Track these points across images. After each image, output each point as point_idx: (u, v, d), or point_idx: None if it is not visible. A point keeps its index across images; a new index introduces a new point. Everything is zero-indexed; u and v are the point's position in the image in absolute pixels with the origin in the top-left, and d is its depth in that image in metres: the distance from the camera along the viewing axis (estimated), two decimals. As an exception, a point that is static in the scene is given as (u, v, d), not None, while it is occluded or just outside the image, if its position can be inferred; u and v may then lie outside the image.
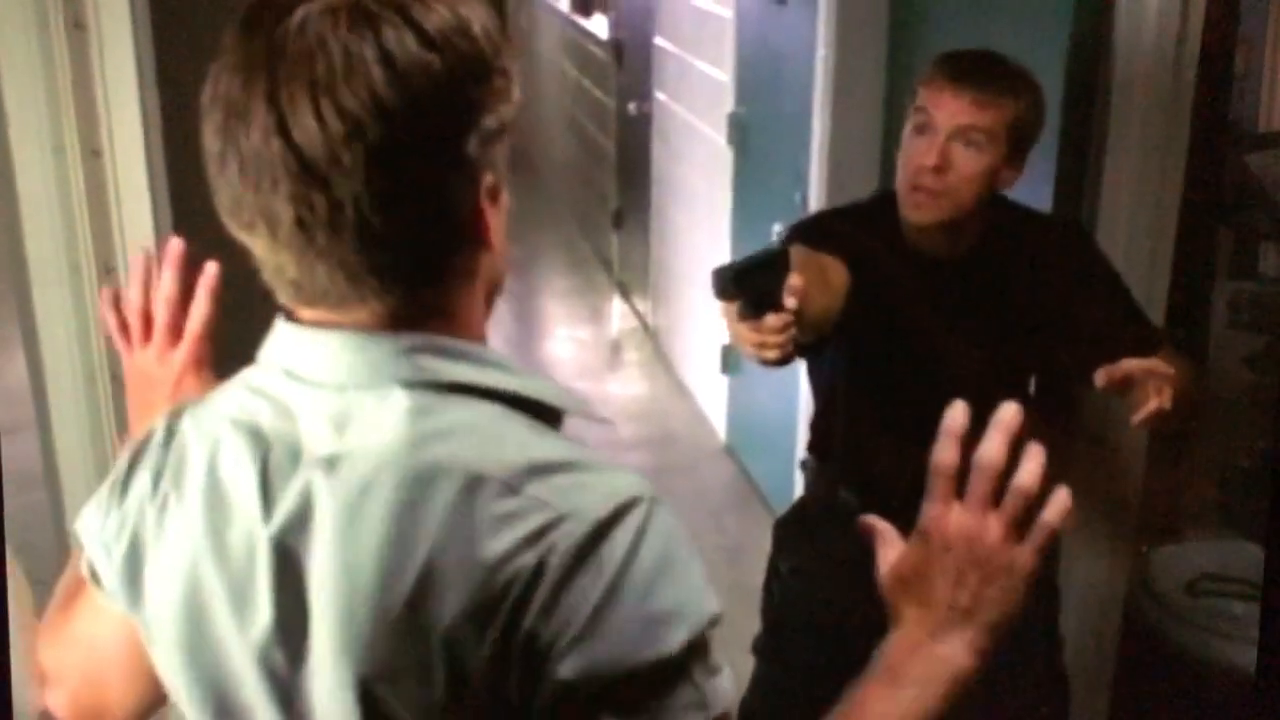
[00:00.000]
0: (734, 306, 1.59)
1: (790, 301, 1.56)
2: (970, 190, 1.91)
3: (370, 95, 0.83)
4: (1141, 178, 2.27)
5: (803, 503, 2.31)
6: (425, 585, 0.85)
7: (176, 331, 1.24)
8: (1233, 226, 2.66)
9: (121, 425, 1.86)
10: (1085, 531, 2.46)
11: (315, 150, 0.83)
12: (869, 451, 2.07)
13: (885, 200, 2.01)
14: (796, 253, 1.70)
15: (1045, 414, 2.22)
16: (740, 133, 4.00)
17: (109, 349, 1.84)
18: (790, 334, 1.59)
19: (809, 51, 3.33)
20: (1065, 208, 2.33)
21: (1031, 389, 2.20)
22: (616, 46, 5.60)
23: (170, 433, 1.00)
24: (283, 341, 0.94)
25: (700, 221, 4.49)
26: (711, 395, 4.52)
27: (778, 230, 3.16)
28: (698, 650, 0.87)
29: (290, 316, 0.94)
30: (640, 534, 0.86)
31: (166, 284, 1.24)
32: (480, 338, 0.96)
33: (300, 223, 0.85)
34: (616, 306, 5.84)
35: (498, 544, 0.84)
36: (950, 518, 0.99)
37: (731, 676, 0.90)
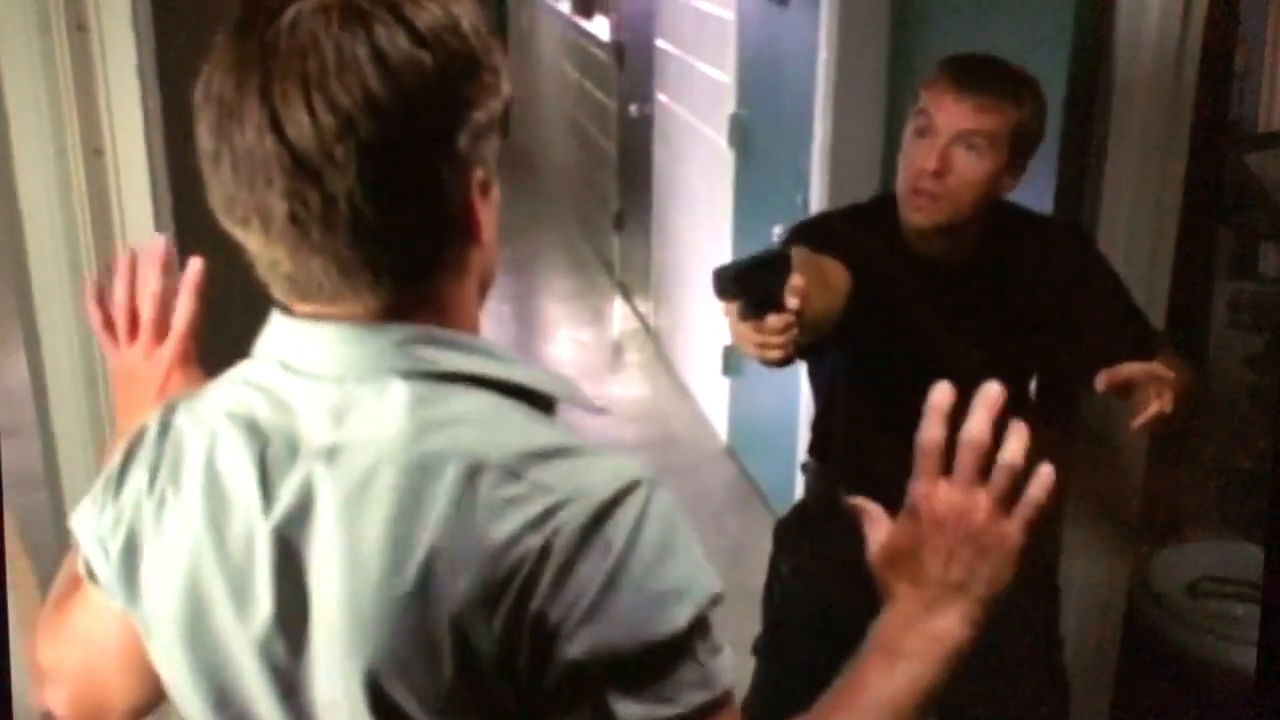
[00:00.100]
0: (735, 306, 1.59)
1: (792, 301, 1.56)
2: (970, 194, 1.91)
3: (363, 91, 0.84)
4: (1142, 178, 2.27)
5: (803, 504, 2.31)
6: (430, 572, 0.87)
7: (163, 329, 1.24)
8: (1233, 226, 2.66)
9: (122, 426, 1.86)
10: (1085, 532, 2.46)
11: (308, 146, 0.84)
12: (869, 453, 2.07)
13: (886, 202, 2.01)
14: (797, 254, 1.70)
15: (1046, 415, 2.22)
16: (742, 134, 4.00)
17: (109, 349, 1.84)
18: (792, 334, 1.59)
19: (810, 53, 3.32)
20: (1066, 207, 2.33)
21: (1032, 390, 2.20)
22: (618, 48, 5.60)
23: (164, 427, 1.00)
24: (278, 335, 0.95)
25: (701, 223, 4.49)
26: (713, 397, 4.52)
27: (779, 232, 3.16)
28: (701, 628, 0.89)
29: (285, 312, 0.95)
30: (642, 514, 0.88)
31: (151, 281, 1.24)
32: (473, 329, 0.97)
33: (294, 218, 0.86)
34: (618, 308, 5.84)
35: (503, 528, 0.86)
36: (939, 494, 1.01)
37: (732, 656, 0.91)
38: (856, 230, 2.01)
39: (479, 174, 0.92)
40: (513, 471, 0.88)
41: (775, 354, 1.62)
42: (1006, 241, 2.02)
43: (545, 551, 0.85)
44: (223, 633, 0.96)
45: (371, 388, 0.91)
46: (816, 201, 3.35)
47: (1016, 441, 1.01)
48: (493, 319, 5.51)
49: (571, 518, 0.86)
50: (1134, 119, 2.25)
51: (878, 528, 1.07)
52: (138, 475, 1.00)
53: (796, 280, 1.57)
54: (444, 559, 0.86)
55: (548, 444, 0.90)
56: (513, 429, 0.92)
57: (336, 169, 0.85)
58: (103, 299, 1.26)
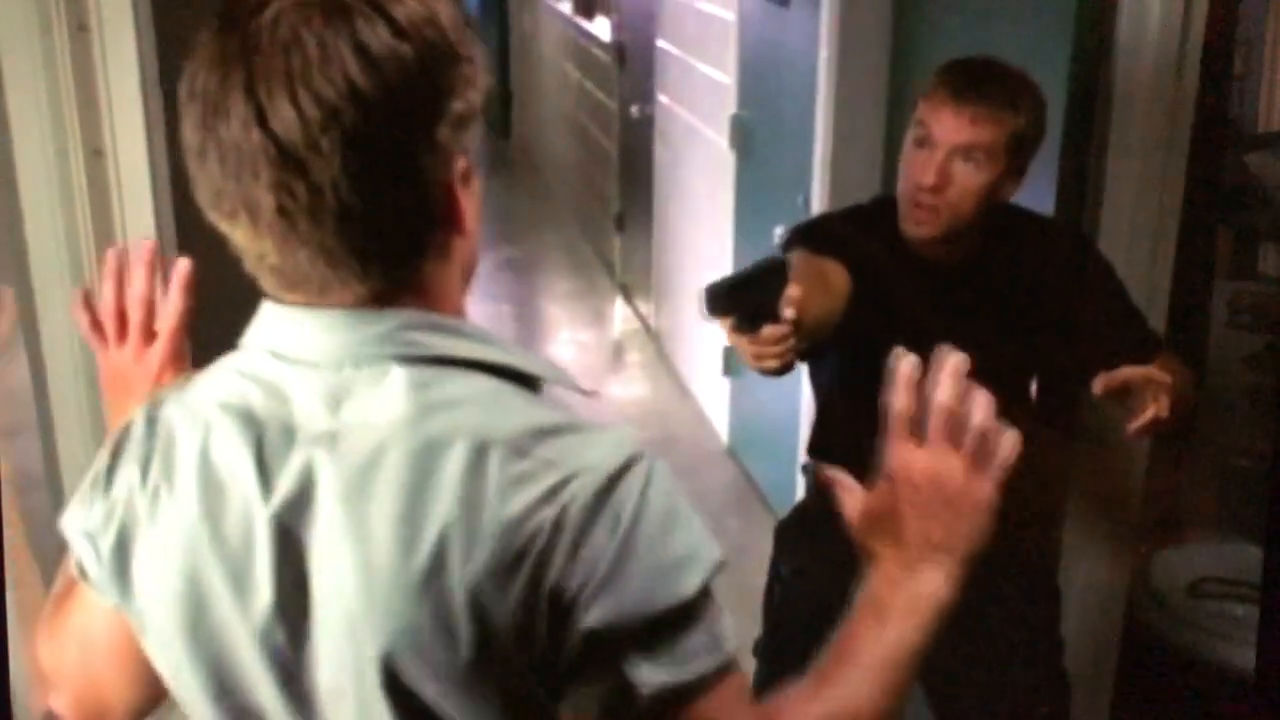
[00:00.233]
0: (729, 321, 1.59)
1: (788, 312, 1.56)
2: (970, 204, 1.91)
3: (346, 83, 0.86)
4: (1143, 179, 2.27)
5: (804, 505, 2.31)
6: (443, 551, 0.88)
7: (152, 329, 1.25)
8: (1233, 226, 2.65)
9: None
10: (1086, 532, 2.46)
11: (294, 138, 0.86)
12: (870, 454, 2.07)
13: (886, 204, 2.01)
14: (797, 257, 1.70)
15: (1046, 415, 2.23)
16: (743, 135, 4.00)
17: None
18: (789, 344, 1.59)
19: (811, 54, 3.33)
20: (1067, 208, 2.34)
21: (1033, 391, 2.20)
22: (619, 49, 5.60)
23: (151, 422, 1.01)
24: (270, 324, 0.97)
25: (702, 224, 4.49)
26: (713, 397, 4.52)
27: (779, 233, 3.16)
28: (707, 594, 0.92)
29: (276, 302, 0.96)
30: (647, 485, 0.91)
31: (139, 282, 1.24)
32: (460, 315, 0.99)
33: (281, 210, 0.88)
34: (618, 309, 5.84)
35: (515, 504, 0.89)
36: (915, 458, 1.05)
37: (732, 622, 0.94)
38: (857, 232, 2.01)
39: (460, 163, 0.94)
40: (519, 449, 0.90)
41: (772, 364, 1.62)
42: (1007, 242, 2.02)
43: (559, 524, 0.88)
44: (222, 622, 0.96)
45: (368, 373, 0.93)
46: (817, 202, 3.35)
47: (983, 401, 1.05)
48: (493, 319, 5.52)
49: (582, 490, 0.89)
50: (1135, 120, 2.25)
51: (852, 495, 1.10)
52: (128, 471, 1.01)
53: (793, 290, 1.56)
54: (457, 537, 0.88)
55: (548, 422, 0.93)
56: (513, 409, 0.94)
57: (322, 159, 0.86)
58: (89, 301, 1.26)
